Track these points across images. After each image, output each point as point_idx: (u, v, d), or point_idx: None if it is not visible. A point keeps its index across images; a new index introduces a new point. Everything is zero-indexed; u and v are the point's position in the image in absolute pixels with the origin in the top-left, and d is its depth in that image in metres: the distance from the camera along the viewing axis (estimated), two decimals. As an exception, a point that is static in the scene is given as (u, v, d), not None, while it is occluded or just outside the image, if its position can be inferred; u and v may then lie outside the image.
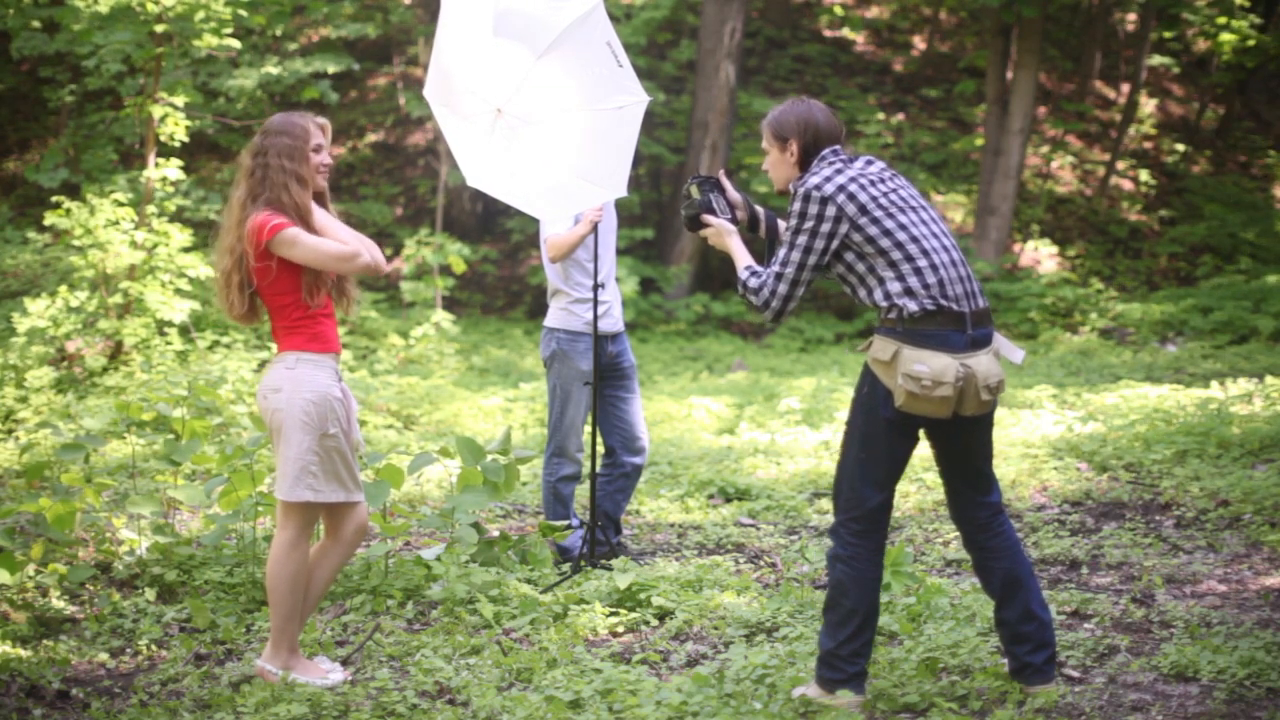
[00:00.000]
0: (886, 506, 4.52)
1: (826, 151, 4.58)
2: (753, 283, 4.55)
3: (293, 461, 4.80)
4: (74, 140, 16.26)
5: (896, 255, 4.42)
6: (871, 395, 4.46)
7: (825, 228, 4.43)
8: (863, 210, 4.43)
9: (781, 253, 4.52)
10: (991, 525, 4.61)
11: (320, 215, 4.89)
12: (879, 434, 4.45)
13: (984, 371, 4.36)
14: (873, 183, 4.51)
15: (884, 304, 4.44)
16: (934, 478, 7.92)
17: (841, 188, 4.44)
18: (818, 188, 4.45)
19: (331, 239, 4.84)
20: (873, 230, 4.42)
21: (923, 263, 4.41)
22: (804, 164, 4.61)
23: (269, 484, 6.34)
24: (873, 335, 4.48)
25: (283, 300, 4.84)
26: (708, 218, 4.79)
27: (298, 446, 4.79)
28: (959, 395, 4.34)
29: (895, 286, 4.41)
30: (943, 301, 4.39)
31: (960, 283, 4.45)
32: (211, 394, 6.82)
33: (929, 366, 4.31)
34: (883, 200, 4.46)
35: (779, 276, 4.50)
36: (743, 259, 4.67)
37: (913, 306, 4.38)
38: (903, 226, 4.44)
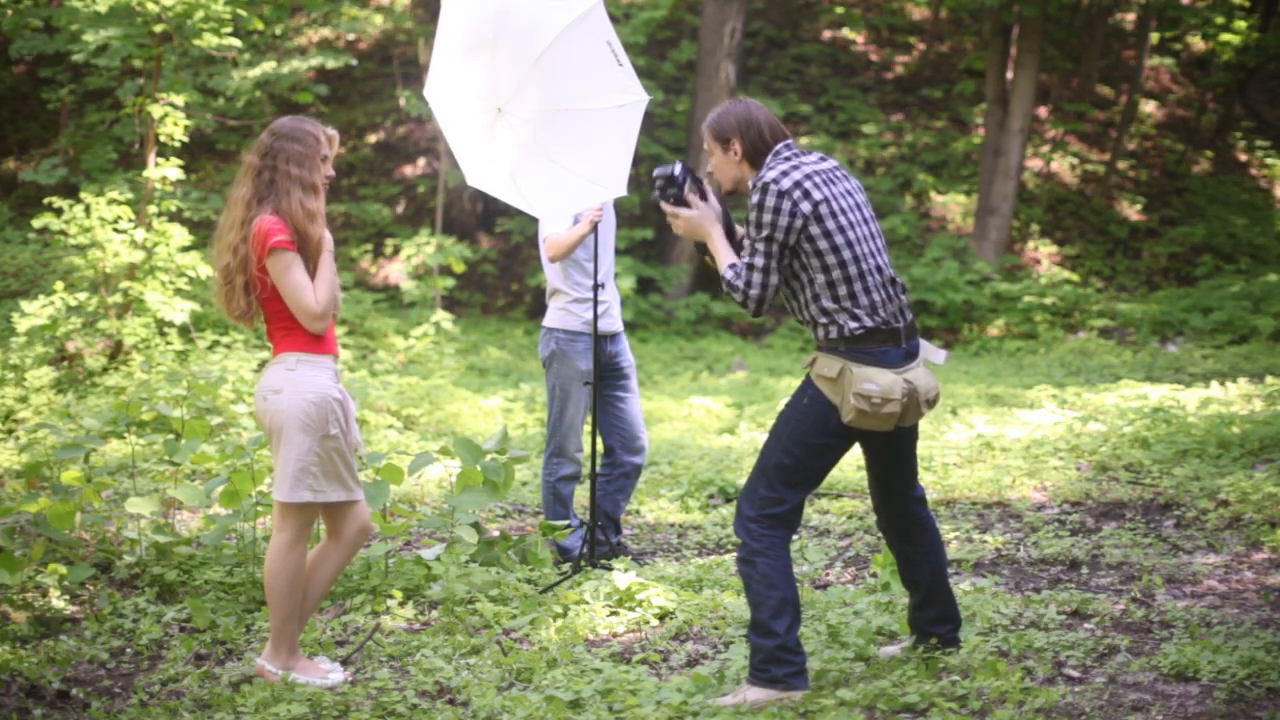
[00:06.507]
0: (801, 507, 4.64)
1: (780, 147, 4.64)
2: (734, 278, 4.60)
3: (293, 462, 4.79)
4: (74, 140, 16.25)
5: (836, 274, 4.50)
6: (813, 406, 4.55)
7: (784, 220, 4.49)
8: (815, 210, 4.48)
9: (748, 245, 4.57)
10: (921, 518, 4.80)
11: (323, 254, 4.85)
12: (814, 444, 4.55)
13: (923, 386, 4.54)
14: (827, 181, 4.57)
15: (821, 319, 4.51)
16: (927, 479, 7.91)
17: (797, 184, 4.51)
18: (775, 181, 4.51)
19: (323, 285, 4.79)
20: (822, 244, 4.49)
21: (858, 285, 4.50)
22: (753, 162, 4.65)
23: (269, 484, 6.33)
24: (815, 353, 4.57)
25: (281, 304, 4.83)
26: (692, 199, 4.77)
27: (298, 447, 4.78)
28: (903, 410, 4.47)
29: (829, 304, 4.50)
30: (878, 319, 4.50)
31: (892, 301, 4.56)
32: (211, 393, 6.81)
33: (878, 385, 4.43)
34: (834, 204, 4.53)
35: (751, 267, 4.55)
36: (727, 256, 4.68)
37: (852, 324, 4.47)
38: (849, 244, 4.51)
